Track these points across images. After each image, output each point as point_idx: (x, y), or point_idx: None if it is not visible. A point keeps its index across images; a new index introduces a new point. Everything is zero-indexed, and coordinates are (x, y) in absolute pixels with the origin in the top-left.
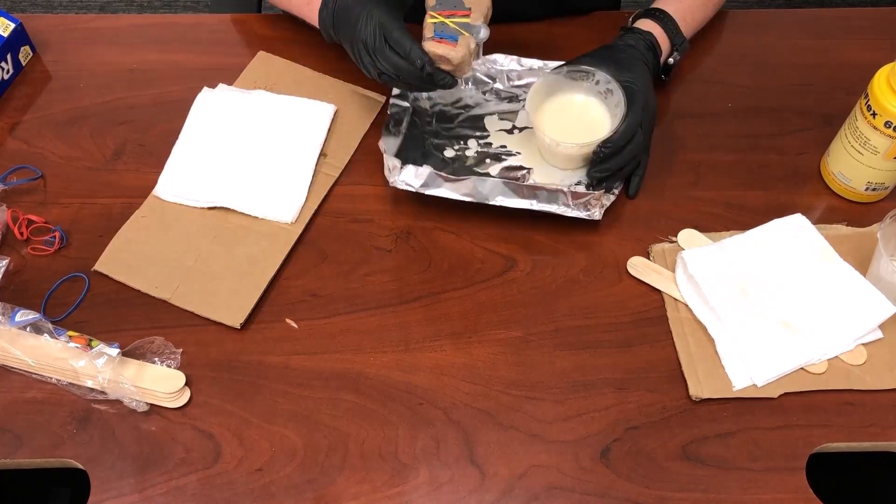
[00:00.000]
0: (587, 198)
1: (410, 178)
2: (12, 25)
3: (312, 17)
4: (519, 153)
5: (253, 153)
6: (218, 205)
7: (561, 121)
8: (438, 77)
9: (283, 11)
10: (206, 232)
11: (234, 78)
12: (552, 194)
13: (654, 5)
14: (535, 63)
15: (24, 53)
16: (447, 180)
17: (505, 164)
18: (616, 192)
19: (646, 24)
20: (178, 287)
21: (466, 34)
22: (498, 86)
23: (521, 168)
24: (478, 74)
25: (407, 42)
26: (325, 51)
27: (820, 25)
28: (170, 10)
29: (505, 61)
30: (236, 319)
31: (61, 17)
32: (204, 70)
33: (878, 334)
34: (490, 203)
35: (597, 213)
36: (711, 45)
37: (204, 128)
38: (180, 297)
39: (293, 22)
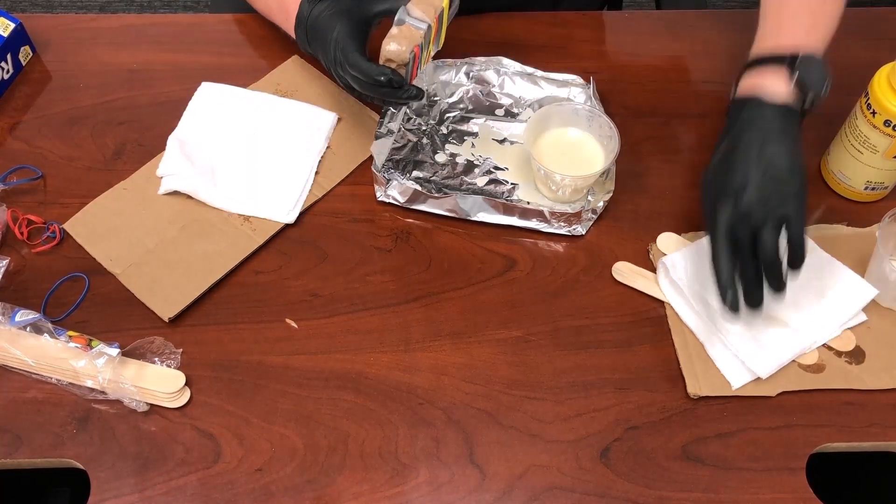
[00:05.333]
0: (567, 216)
1: (396, 193)
2: (12, 25)
3: (289, 30)
4: (507, 168)
5: (253, 153)
6: (214, 203)
7: (555, 153)
8: (403, 90)
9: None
10: (176, 219)
11: (234, 78)
12: (533, 212)
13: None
14: (538, 72)
15: (24, 53)
16: (430, 197)
17: (492, 176)
18: (600, 209)
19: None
20: (130, 265)
21: (409, 27)
22: (496, 90)
23: (506, 182)
24: (480, 73)
25: (363, 63)
26: None
27: None
28: (170, 10)
29: (509, 64)
30: (166, 313)
31: (61, 17)
32: (204, 70)
33: (863, 317)
34: (472, 219)
35: (579, 229)
36: (711, 45)
37: (204, 119)
38: (128, 276)
39: None
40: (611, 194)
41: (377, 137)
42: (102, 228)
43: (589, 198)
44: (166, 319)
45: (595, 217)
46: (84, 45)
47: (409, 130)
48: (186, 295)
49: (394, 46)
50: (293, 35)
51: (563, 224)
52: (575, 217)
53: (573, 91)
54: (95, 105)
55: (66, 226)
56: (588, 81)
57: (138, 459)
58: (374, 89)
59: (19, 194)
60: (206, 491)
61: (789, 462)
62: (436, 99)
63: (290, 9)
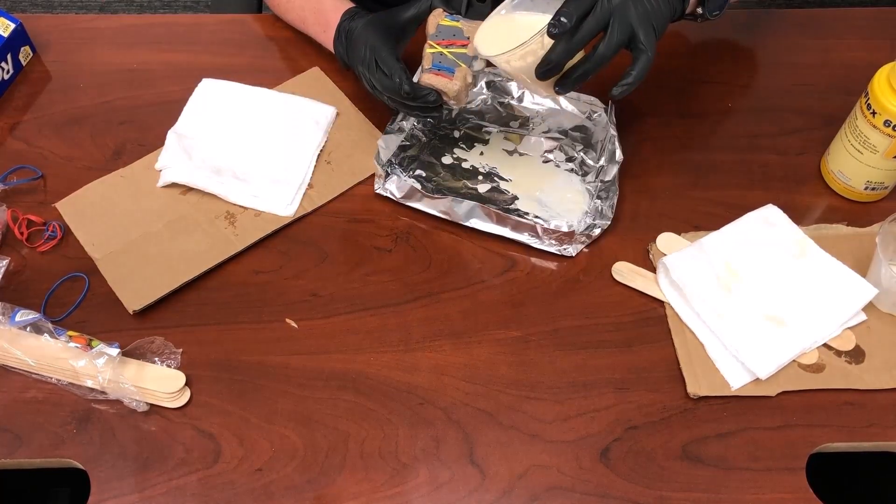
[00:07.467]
0: (559, 234)
1: (393, 188)
2: (12, 25)
3: (328, 44)
4: (510, 179)
5: (251, 146)
6: (210, 190)
7: (502, 36)
8: (423, 98)
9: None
10: (164, 213)
11: (233, 78)
12: (526, 226)
13: None
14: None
15: (24, 53)
16: (426, 196)
17: (494, 185)
18: (598, 231)
19: None
20: (110, 252)
21: (463, 66)
22: (515, 102)
23: (507, 193)
24: (501, 83)
25: (392, 62)
26: (324, 50)
27: (820, 25)
28: (170, 10)
29: None
30: (132, 305)
31: (61, 17)
32: (204, 70)
33: (862, 317)
34: (465, 224)
35: (570, 250)
36: (711, 44)
37: (204, 114)
38: (106, 264)
39: None
40: (609, 222)
41: (387, 133)
42: (92, 212)
43: (587, 219)
44: (131, 312)
45: (588, 241)
46: (84, 45)
47: (421, 130)
48: (154, 291)
49: (451, 86)
50: (329, 48)
51: (553, 242)
52: (567, 237)
53: (592, 111)
54: (95, 105)
55: (58, 205)
56: (607, 105)
57: (138, 459)
58: (393, 92)
59: (19, 194)
60: (206, 491)
61: (789, 462)
62: (452, 105)
63: (330, 22)
